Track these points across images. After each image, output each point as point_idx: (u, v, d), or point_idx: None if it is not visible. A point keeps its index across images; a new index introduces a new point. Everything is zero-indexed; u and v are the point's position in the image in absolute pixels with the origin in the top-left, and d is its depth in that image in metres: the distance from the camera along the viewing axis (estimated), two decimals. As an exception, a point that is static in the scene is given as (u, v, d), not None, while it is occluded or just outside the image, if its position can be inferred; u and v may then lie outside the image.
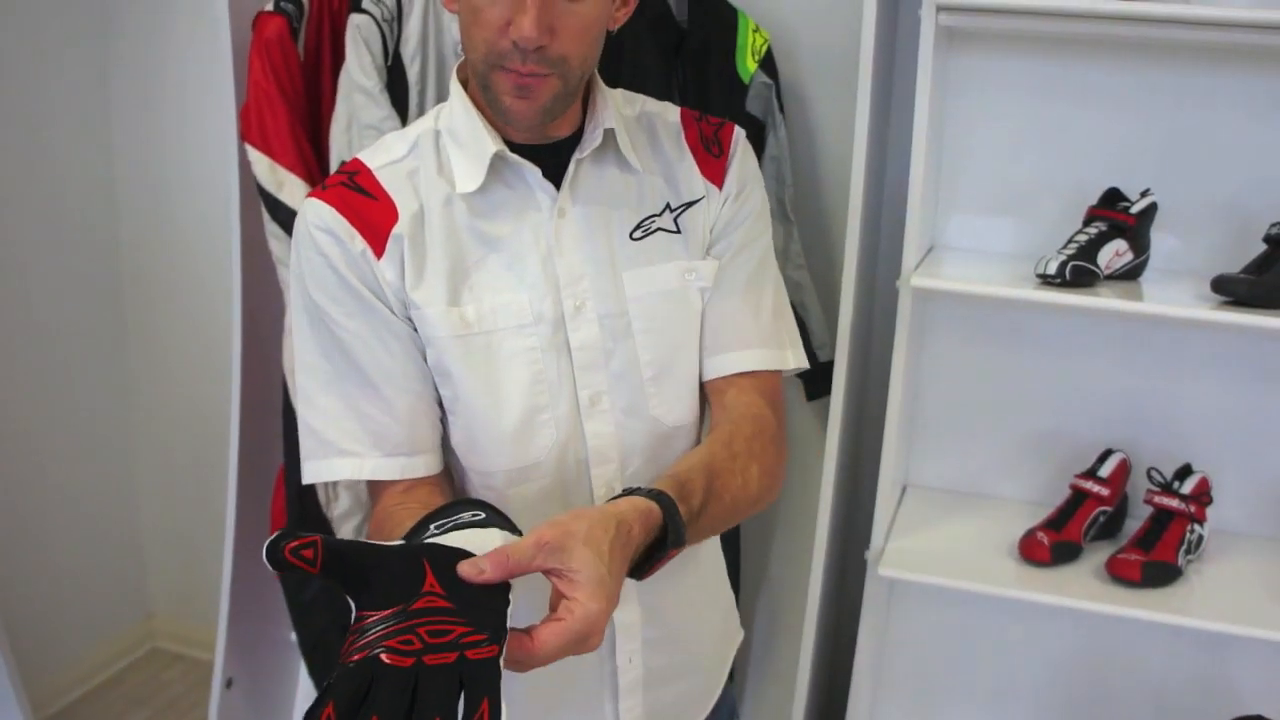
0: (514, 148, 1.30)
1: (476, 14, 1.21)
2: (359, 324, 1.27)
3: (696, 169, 1.40)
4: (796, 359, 1.45)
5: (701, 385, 1.43)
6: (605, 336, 1.33)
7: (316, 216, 1.27)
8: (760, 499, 1.37)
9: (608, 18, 1.27)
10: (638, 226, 1.36)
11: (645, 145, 1.40)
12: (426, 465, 1.30)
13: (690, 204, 1.39)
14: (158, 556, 3.33)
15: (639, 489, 1.14)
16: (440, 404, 1.34)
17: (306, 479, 1.31)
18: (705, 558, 1.49)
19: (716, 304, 1.40)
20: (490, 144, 1.29)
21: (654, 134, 1.41)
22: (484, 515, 1.04)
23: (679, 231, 1.37)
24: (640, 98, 1.45)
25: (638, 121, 1.41)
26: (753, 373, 1.40)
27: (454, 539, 0.98)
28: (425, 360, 1.31)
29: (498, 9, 1.19)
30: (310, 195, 1.31)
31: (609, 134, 1.34)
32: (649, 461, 1.36)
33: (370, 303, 1.27)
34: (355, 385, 1.27)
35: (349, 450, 1.28)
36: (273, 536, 0.91)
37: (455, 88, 1.34)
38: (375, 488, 1.31)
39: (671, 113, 1.44)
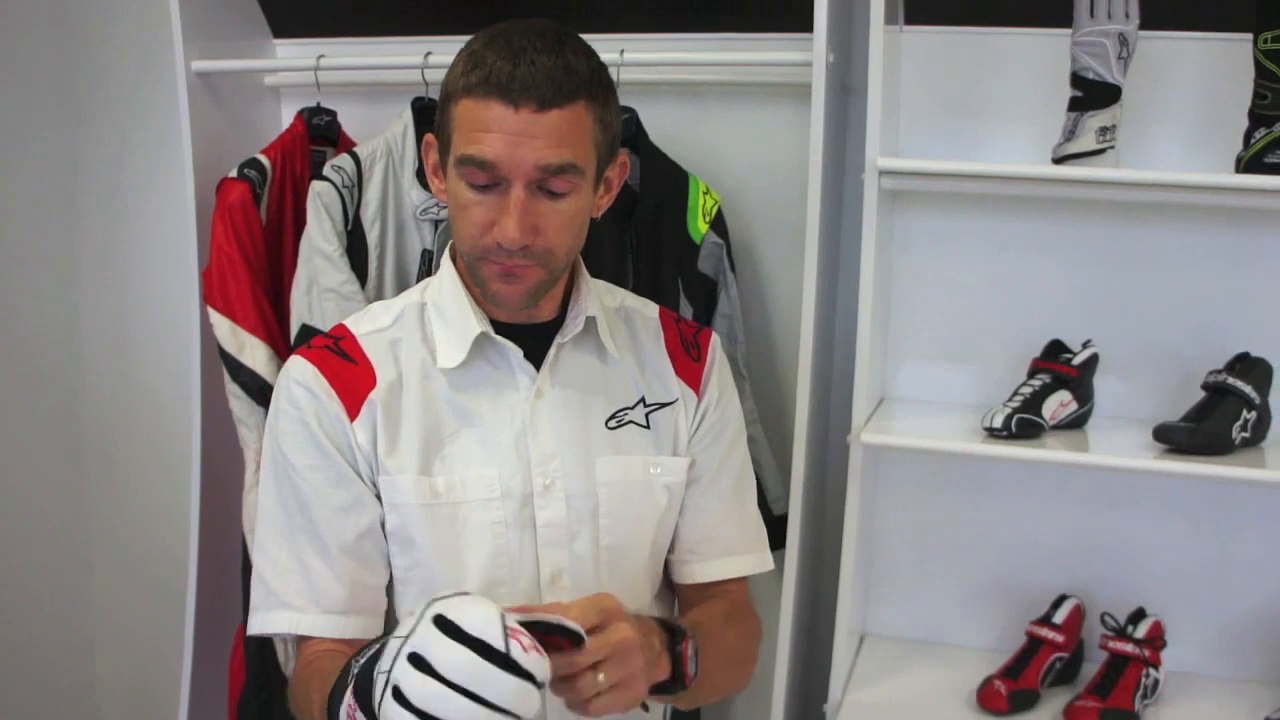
0: (498, 326, 1.35)
1: (463, 210, 1.25)
2: (320, 478, 1.29)
3: (672, 371, 1.46)
4: (767, 560, 1.53)
5: (669, 578, 1.51)
6: (571, 517, 1.36)
7: (299, 373, 1.32)
8: (739, 664, 1.44)
9: (590, 208, 1.32)
10: (612, 416, 1.41)
11: (624, 336, 1.45)
12: (361, 627, 1.31)
13: (663, 405, 1.44)
14: (113, 708, 3.27)
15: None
16: (390, 573, 1.37)
17: (251, 630, 1.33)
18: None
19: (704, 509, 1.46)
20: (475, 324, 1.33)
21: (633, 327, 1.47)
22: None
23: (648, 427, 1.42)
24: (621, 291, 1.51)
25: (618, 313, 1.47)
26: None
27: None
28: (381, 528, 1.33)
29: (482, 209, 1.24)
30: (296, 353, 1.36)
31: (590, 321, 1.39)
32: None
33: (336, 460, 1.30)
34: (305, 537, 1.29)
35: (290, 603, 1.29)
36: None
37: (446, 263, 1.39)
38: (305, 640, 1.31)
39: (650, 309, 1.50)
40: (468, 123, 1.21)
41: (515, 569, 1.34)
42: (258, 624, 1.32)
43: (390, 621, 1.41)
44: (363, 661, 1.01)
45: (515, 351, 1.35)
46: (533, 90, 1.19)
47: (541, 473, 1.35)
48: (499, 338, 1.35)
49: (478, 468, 1.34)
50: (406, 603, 1.35)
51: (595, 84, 1.24)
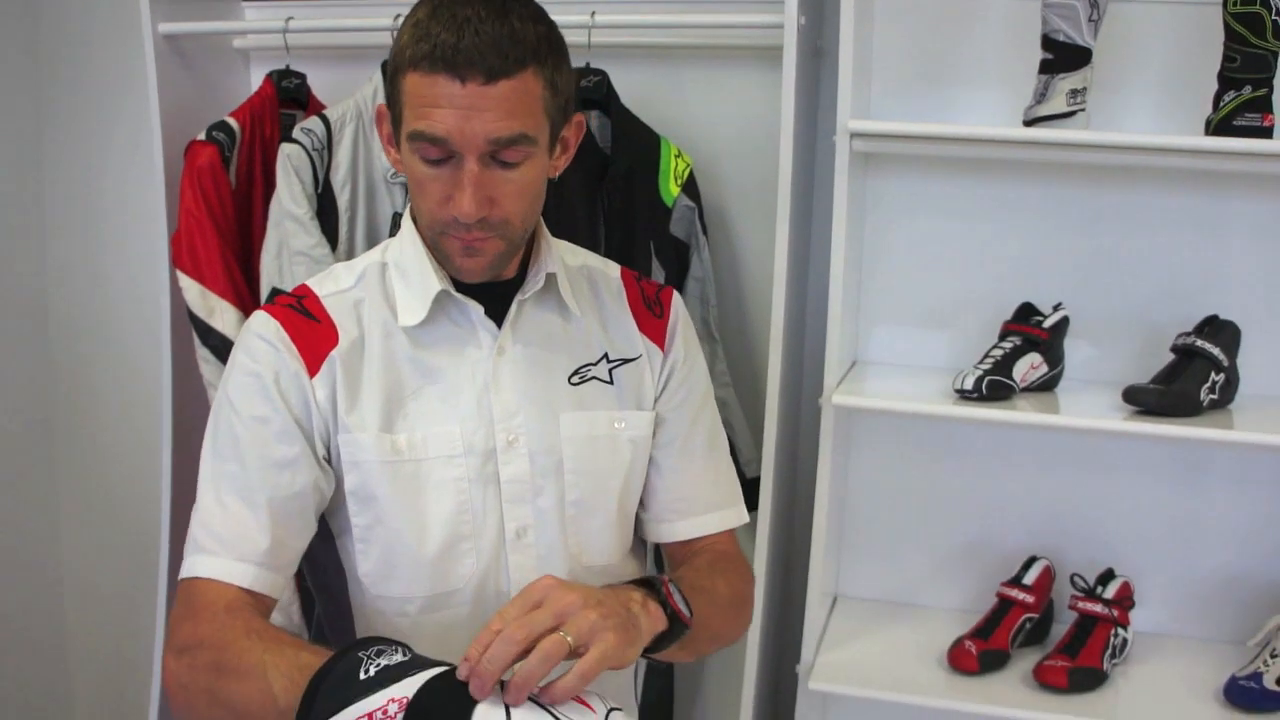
0: (459, 285, 1.35)
1: (420, 185, 1.26)
2: (265, 431, 1.29)
3: (635, 327, 1.46)
4: (743, 513, 1.55)
5: (641, 537, 1.52)
6: (535, 472, 1.37)
7: (261, 326, 1.32)
8: (734, 608, 1.44)
9: (547, 171, 1.32)
10: (575, 372, 1.42)
11: (586, 294, 1.46)
12: (271, 585, 1.27)
13: (627, 360, 1.45)
14: (85, 669, 3.26)
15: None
16: (333, 539, 1.37)
17: (181, 575, 1.28)
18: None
19: (680, 469, 1.48)
20: (436, 282, 1.34)
21: (595, 286, 1.47)
22: (410, 655, 1.06)
23: (611, 383, 1.43)
24: (584, 251, 1.52)
25: (580, 272, 1.47)
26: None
27: None
28: (313, 495, 1.31)
29: (438, 184, 1.24)
30: (259, 309, 1.36)
31: (551, 278, 1.40)
32: None
33: (284, 415, 1.29)
34: (236, 485, 1.27)
35: (208, 549, 1.25)
36: None
37: (406, 223, 1.39)
38: (200, 586, 1.25)
39: (612, 269, 1.51)
40: (416, 98, 1.21)
41: (479, 525, 1.34)
42: (182, 569, 1.28)
43: (335, 583, 1.40)
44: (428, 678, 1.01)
45: (476, 308, 1.36)
46: (479, 62, 1.18)
47: (504, 429, 1.35)
48: (459, 295, 1.35)
49: (440, 424, 1.34)
50: (367, 563, 1.35)
51: (543, 49, 1.24)
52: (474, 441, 1.34)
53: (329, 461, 1.33)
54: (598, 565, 1.41)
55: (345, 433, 1.31)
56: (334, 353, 1.32)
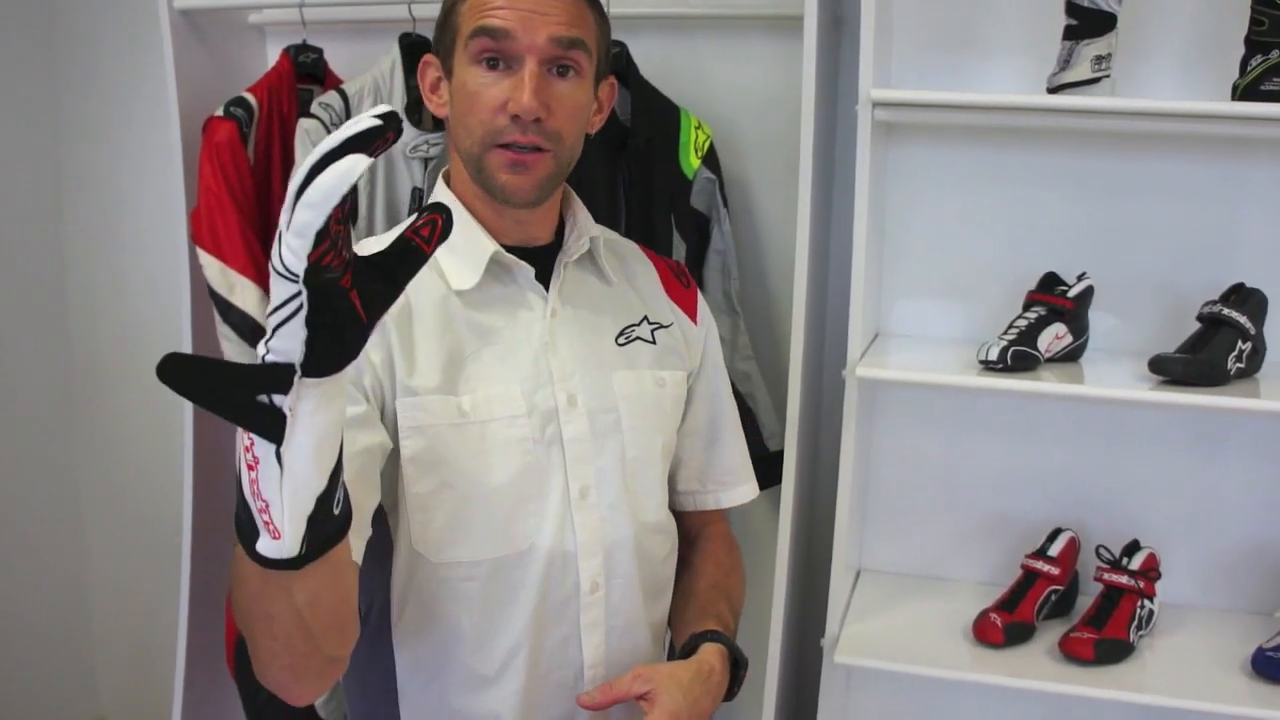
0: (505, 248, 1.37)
1: (474, 98, 1.28)
2: None
3: (664, 294, 1.52)
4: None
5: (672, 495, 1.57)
6: (595, 432, 1.38)
7: None
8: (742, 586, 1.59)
9: (589, 111, 1.36)
10: (621, 333, 1.45)
11: (616, 262, 1.49)
12: (353, 550, 1.21)
13: (663, 325, 1.49)
14: (109, 657, 3.28)
15: (698, 634, 1.40)
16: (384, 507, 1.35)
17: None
18: None
19: (724, 443, 1.58)
20: (488, 244, 1.35)
21: (621, 256, 1.52)
22: None
23: (654, 343, 1.47)
24: (598, 225, 1.53)
25: (603, 242, 1.49)
26: None
27: None
28: (381, 450, 1.28)
29: (496, 89, 1.27)
30: None
31: (593, 243, 1.43)
32: (631, 556, 1.41)
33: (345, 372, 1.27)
34: None
35: None
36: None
37: (442, 190, 1.40)
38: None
39: (629, 243, 1.57)
40: (478, 6, 1.26)
41: (544, 485, 1.35)
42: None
43: (375, 553, 1.38)
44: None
45: (527, 270, 1.37)
46: None
47: (563, 388, 1.37)
48: (510, 257, 1.36)
49: (500, 385, 1.34)
50: (429, 531, 1.32)
51: None
52: (535, 401, 1.35)
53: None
54: (652, 521, 1.45)
55: (409, 396, 1.30)
56: (384, 316, 1.30)
